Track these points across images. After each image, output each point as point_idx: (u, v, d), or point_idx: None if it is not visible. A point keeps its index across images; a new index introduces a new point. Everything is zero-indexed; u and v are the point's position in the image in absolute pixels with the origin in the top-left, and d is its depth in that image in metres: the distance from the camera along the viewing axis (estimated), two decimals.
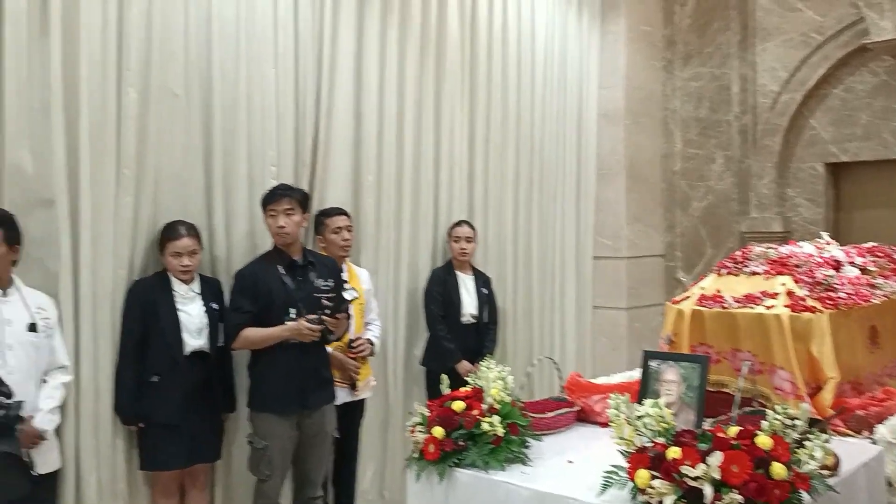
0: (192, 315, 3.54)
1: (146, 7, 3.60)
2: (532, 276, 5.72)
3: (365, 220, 4.54)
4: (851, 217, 5.89)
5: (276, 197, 3.63)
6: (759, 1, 5.96)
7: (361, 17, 4.51)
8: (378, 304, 4.43)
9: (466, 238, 4.87)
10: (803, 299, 2.96)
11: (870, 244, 3.68)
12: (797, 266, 3.16)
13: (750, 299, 3.03)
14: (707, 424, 2.52)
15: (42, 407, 3.09)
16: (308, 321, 3.45)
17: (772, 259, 3.20)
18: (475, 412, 2.55)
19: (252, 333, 3.53)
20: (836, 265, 3.27)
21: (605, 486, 2.16)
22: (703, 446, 2.03)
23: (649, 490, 2.01)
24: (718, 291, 3.18)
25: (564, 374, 3.35)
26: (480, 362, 2.83)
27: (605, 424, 2.75)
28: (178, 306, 3.51)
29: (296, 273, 3.63)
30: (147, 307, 3.48)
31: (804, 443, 2.07)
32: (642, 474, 2.04)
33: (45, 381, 3.16)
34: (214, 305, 3.62)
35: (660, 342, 3.33)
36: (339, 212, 4.20)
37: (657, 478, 2.02)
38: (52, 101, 3.30)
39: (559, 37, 5.93)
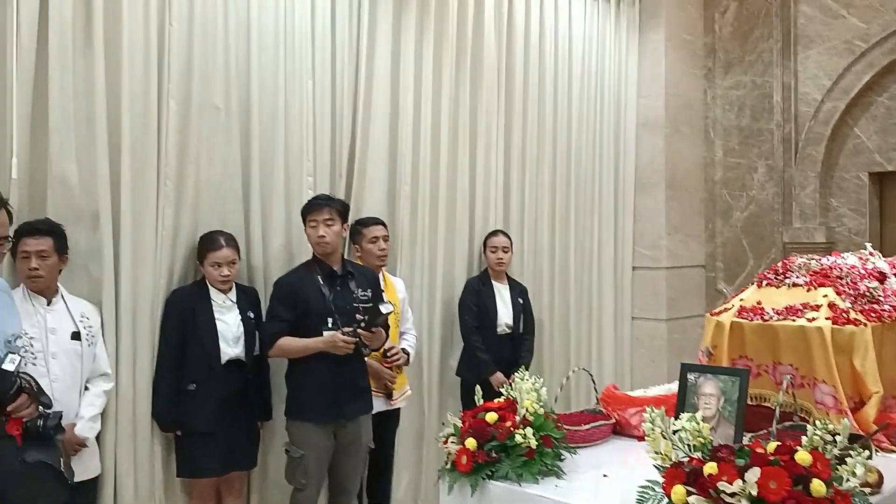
0: (230, 324, 3.58)
1: (187, 21, 3.67)
2: (569, 287, 5.68)
3: (400, 229, 4.56)
4: None
5: (316, 207, 3.65)
6: (801, 8, 5.88)
7: (398, 28, 4.54)
8: (413, 313, 4.44)
9: (503, 248, 4.85)
10: (846, 312, 2.89)
11: None
12: (840, 277, 3.08)
13: (791, 311, 2.97)
14: (747, 439, 2.47)
15: (84, 414, 3.16)
16: (343, 333, 3.46)
17: (814, 270, 3.13)
18: (508, 424, 2.52)
19: (288, 343, 3.56)
20: (881, 277, 3.19)
21: (640, 502, 2.12)
22: (741, 462, 1.99)
23: None
24: (759, 303, 3.12)
25: (602, 386, 3.32)
26: (515, 373, 2.81)
27: (641, 438, 2.71)
28: (216, 315, 3.55)
29: (334, 283, 3.65)
30: (185, 316, 3.53)
31: (845, 459, 2.01)
32: (678, 490, 2.00)
33: (87, 389, 3.22)
34: (251, 314, 3.66)
35: (699, 355, 3.28)
36: (376, 221, 4.22)
37: (693, 493, 1.97)
38: (97, 114, 3.38)
39: (597, 46, 5.90)
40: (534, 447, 2.47)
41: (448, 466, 2.55)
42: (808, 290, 3.03)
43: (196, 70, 3.69)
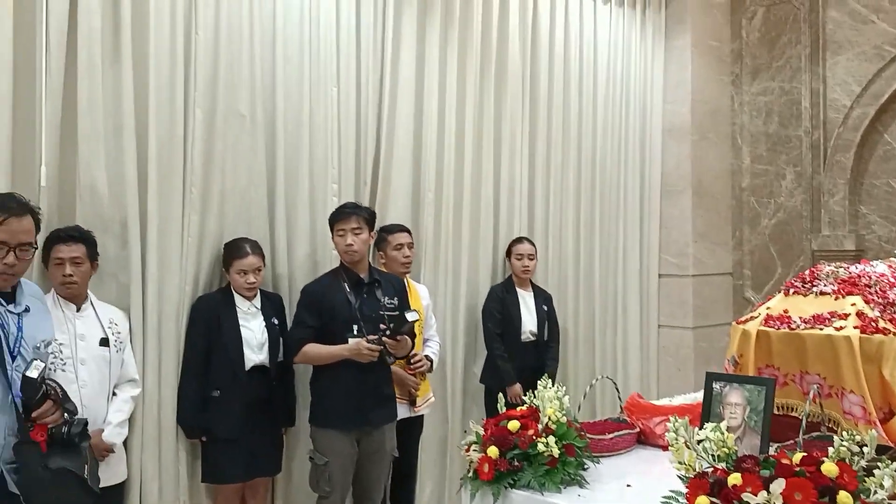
0: (254, 330, 3.60)
1: (213, 31, 3.71)
2: (594, 295, 5.65)
3: (424, 236, 4.57)
4: None
5: (344, 216, 3.66)
6: (830, 14, 5.81)
7: (422, 36, 4.56)
8: (437, 320, 4.44)
9: (528, 255, 4.84)
10: (875, 321, 2.84)
11: None
12: (868, 286, 3.03)
13: (818, 320, 2.93)
14: (773, 450, 2.44)
15: (111, 420, 3.19)
16: (368, 341, 3.46)
17: (842, 279, 3.08)
18: (531, 432, 2.51)
19: (313, 350, 3.57)
20: None
21: None
22: (766, 473, 1.96)
23: None
24: (786, 311, 3.08)
25: (626, 395, 3.29)
26: (538, 381, 2.80)
27: (665, 447, 2.68)
28: (241, 322, 3.58)
29: (361, 291, 3.65)
30: (211, 323, 3.56)
31: (873, 471, 1.98)
32: (702, 501, 1.98)
33: (114, 394, 3.26)
34: (275, 321, 3.68)
35: (725, 363, 3.25)
36: (401, 228, 4.23)
37: None
38: (124, 123, 3.43)
39: (622, 52, 5.88)
40: (556, 456, 2.46)
41: (470, 474, 2.55)
42: (836, 299, 2.98)
43: (222, 79, 3.73)
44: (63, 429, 2.46)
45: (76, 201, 3.33)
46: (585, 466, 2.56)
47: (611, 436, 2.87)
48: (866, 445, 2.03)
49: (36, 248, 2.56)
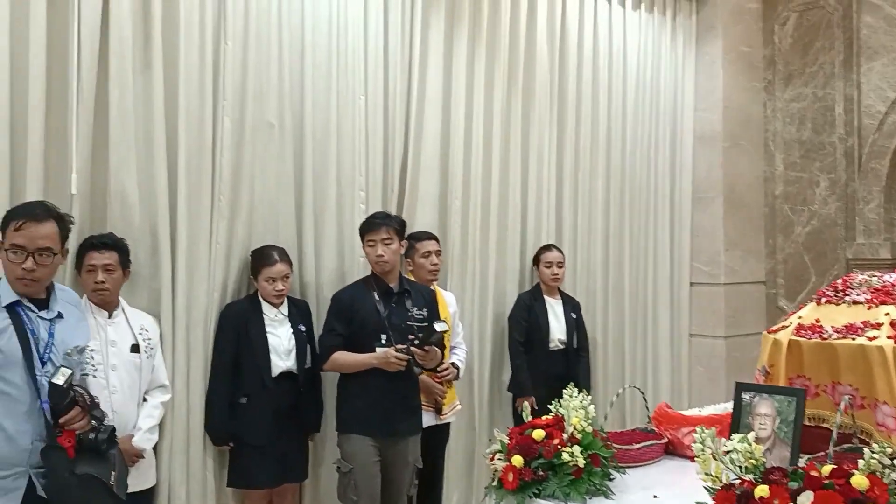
0: (281, 337, 3.62)
1: (242, 41, 3.75)
2: (623, 304, 5.60)
3: (452, 244, 4.56)
4: None
5: (374, 227, 3.65)
6: (864, 19, 5.72)
7: (450, 42, 4.57)
8: (464, 328, 4.43)
9: (558, 263, 4.82)
10: None
11: None
12: None
13: (851, 330, 2.87)
14: (803, 461, 2.40)
15: (142, 426, 3.22)
16: (396, 350, 3.46)
17: (875, 287, 3.03)
18: (555, 441, 2.49)
19: (342, 357, 3.58)
20: None
21: None
22: (794, 485, 1.93)
23: None
24: (817, 321, 3.03)
25: (657, 404, 3.26)
26: (564, 390, 2.77)
27: (694, 458, 2.65)
28: (268, 329, 3.60)
29: (390, 300, 3.65)
30: (239, 330, 3.59)
31: None
32: None
33: (145, 400, 3.29)
34: (302, 328, 3.70)
35: (755, 373, 3.20)
36: (429, 236, 4.23)
37: None
38: (155, 132, 3.48)
39: (652, 59, 5.84)
40: (581, 466, 2.44)
41: (494, 484, 2.53)
42: (869, 308, 2.93)
43: (250, 88, 3.77)
44: (90, 435, 2.48)
45: (107, 209, 3.37)
46: (611, 477, 2.54)
47: (638, 446, 2.84)
48: None
49: (57, 254, 2.56)
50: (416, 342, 3.48)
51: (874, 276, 3.14)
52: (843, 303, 3.05)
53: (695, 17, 6.12)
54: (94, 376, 3.05)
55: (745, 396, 2.72)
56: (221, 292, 3.68)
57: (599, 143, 5.43)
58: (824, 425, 2.83)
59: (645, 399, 3.29)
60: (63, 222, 2.61)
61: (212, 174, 3.67)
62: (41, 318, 2.58)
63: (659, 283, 5.87)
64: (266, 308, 3.63)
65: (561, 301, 4.84)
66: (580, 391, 2.73)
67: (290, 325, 3.66)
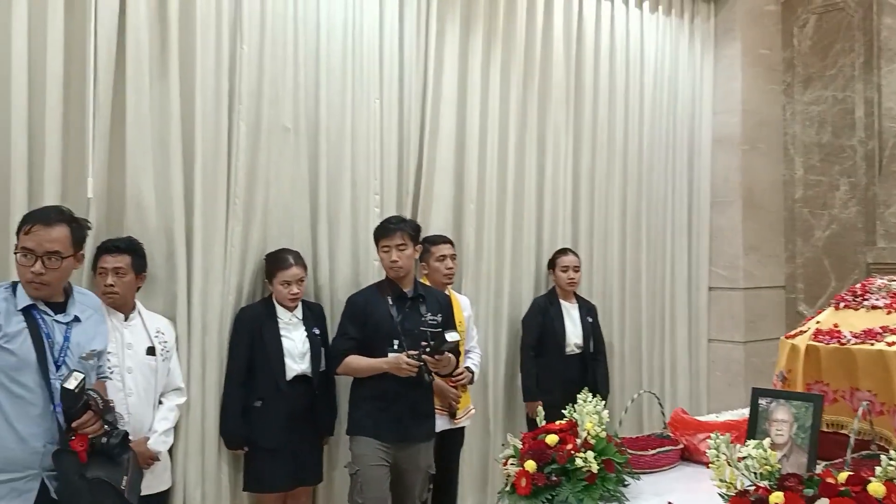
0: (296, 340, 3.63)
1: (257, 45, 3.77)
2: (640, 308, 5.56)
3: (466, 247, 4.55)
4: None
5: (389, 232, 3.63)
6: (884, 20, 5.65)
7: (465, 45, 4.56)
8: (478, 331, 4.42)
9: (574, 267, 4.79)
10: None
11: None
12: None
13: (869, 335, 2.84)
14: (821, 468, 2.37)
15: (157, 428, 3.24)
16: (408, 356, 3.44)
17: (894, 292, 2.99)
18: (569, 447, 2.48)
19: (355, 361, 3.57)
20: None
21: None
22: (809, 492, 1.91)
23: None
24: (835, 326, 3.00)
25: (673, 410, 3.23)
26: (578, 395, 2.75)
27: (709, 465, 2.63)
28: (282, 332, 3.61)
29: (403, 305, 3.63)
30: (253, 333, 3.60)
31: None
32: None
33: (160, 403, 3.30)
34: (316, 331, 3.70)
35: (773, 379, 3.17)
36: (445, 240, 4.22)
37: None
38: (171, 136, 3.50)
39: (669, 62, 5.81)
40: (595, 471, 2.42)
41: (507, 489, 2.52)
42: (889, 313, 2.90)
43: (266, 92, 3.79)
44: (102, 439, 2.49)
45: (123, 212, 3.40)
46: (625, 483, 2.52)
47: (653, 452, 2.82)
48: None
49: (66, 258, 2.56)
50: (428, 350, 3.45)
51: (893, 280, 3.11)
52: (862, 307, 3.02)
53: (713, 20, 6.08)
54: (110, 379, 3.06)
55: (762, 402, 2.70)
56: (236, 295, 3.70)
57: (616, 145, 5.41)
58: (842, 432, 2.79)
59: (661, 404, 3.26)
60: (76, 227, 2.61)
61: (227, 178, 3.69)
62: (57, 321, 2.59)
63: (677, 288, 5.82)
64: (280, 312, 3.64)
65: (577, 305, 4.82)
66: (596, 396, 2.71)
67: (304, 328, 3.67)
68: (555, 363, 4.63)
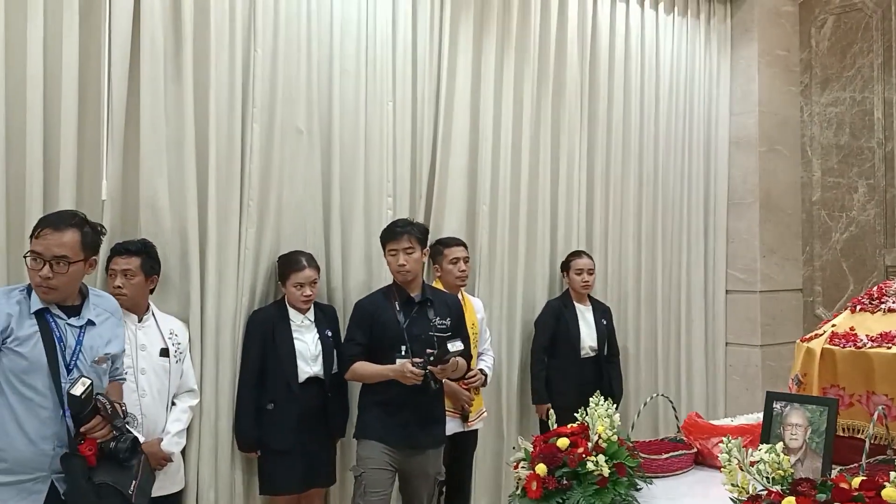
0: (308, 343, 3.63)
1: (271, 48, 3.78)
2: (656, 311, 5.52)
3: (479, 250, 4.54)
4: None
5: (396, 235, 3.57)
6: None
7: (478, 48, 4.55)
8: (492, 334, 4.40)
9: (588, 270, 4.76)
10: None
11: None
12: None
13: (886, 338, 2.80)
14: (835, 473, 2.33)
15: (170, 430, 3.25)
16: (413, 364, 3.38)
17: None
18: (580, 450, 2.46)
19: (362, 368, 3.53)
20: None
21: None
22: (822, 497, 1.88)
23: None
24: (852, 329, 2.96)
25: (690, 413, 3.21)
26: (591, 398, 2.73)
27: (722, 469, 2.60)
28: (294, 335, 3.61)
29: (410, 310, 3.57)
30: (266, 336, 3.60)
31: None
32: None
33: (174, 404, 3.31)
34: (329, 333, 3.70)
35: (789, 383, 3.14)
36: (458, 242, 4.21)
37: None
38: (185, 138, 3.51)
39: (685, 63, 5.77)
40: (606, 475, 2.40)
41: (518, 492, 2.50)
42: None
43: (279, 94, 3.80)
44: (110, 444, 2.49)
45: (138, 214, 3.42)
46: (638, 487, 2.49)
47: (665, 456, 2.79)
48: None
49: (74, 263, 2.54)
50: (432, 359, 3.38)
51: None
52: (879, 311, 2.97)
53: (729, 21, 6.05)
54: (125, 380, 3.08)
55: (777, 406, 2.66)
56: (250, 297, 3.70)
57: (631, 147, 5.38)
58: (858, 436, 2.75)
59: (674, 408, 3.23)
60: (88, 231, 2.59)
61: (241, 180, 3.70)
62: (70, 325, 2.59)
63: (693, 291, 5.78)
64: (293, 314, 3.64)
65: (591, 308, 4.79)
66: (610, 399, 2.69)
67: (316, 330, 3.67)
68: (569, 366, 4.61)
